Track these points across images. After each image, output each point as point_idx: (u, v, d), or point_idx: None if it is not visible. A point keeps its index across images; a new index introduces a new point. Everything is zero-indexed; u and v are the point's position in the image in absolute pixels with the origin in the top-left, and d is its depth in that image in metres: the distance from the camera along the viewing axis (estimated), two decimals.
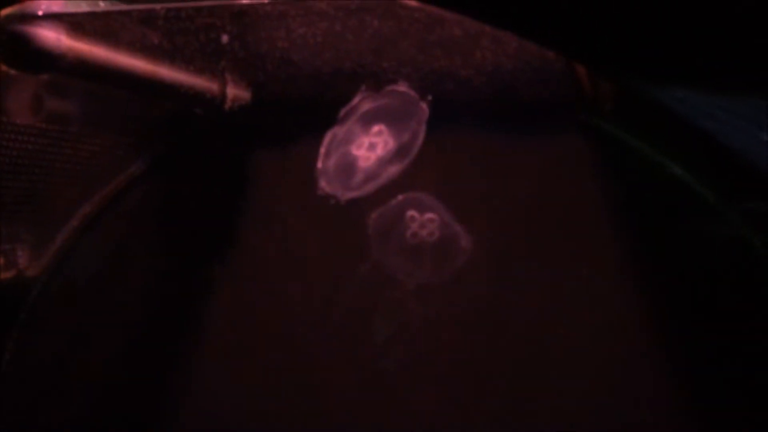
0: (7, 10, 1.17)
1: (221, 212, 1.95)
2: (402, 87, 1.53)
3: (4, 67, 1.23)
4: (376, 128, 1.58)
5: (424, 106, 1.55)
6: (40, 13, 1.17)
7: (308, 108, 1.75)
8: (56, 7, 1.18)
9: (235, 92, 1.62)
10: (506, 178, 1.76)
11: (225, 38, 1.23)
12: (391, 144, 1.60)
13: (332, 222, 1.83)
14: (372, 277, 1.74)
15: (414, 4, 1.22)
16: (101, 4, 1.22)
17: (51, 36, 1.16)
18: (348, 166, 1.63)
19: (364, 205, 1.67)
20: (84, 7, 1.17)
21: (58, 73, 1.25)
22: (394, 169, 1.62)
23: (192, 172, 1.88)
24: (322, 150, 1.58)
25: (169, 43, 1.27)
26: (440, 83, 1.53)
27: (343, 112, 1.54)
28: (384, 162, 1.61)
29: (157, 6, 1.13)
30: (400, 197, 1.68)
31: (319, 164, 1.59)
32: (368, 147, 1.61)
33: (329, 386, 1.86)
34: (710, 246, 1.60)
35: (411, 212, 1.69)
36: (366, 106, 1.55)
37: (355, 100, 1.52)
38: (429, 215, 1.68)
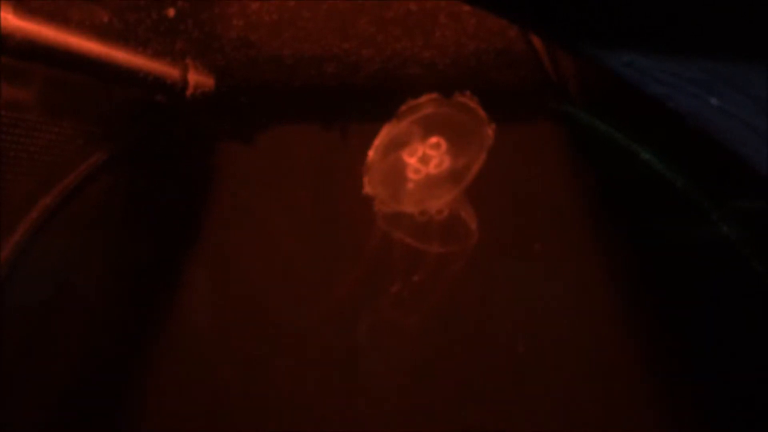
0: None
1: (191, 203, 1.91)
2: (472, 102, 1.42)
3: None
4: (434, 140, 1.48)
5: (490, 132, 1.44)
6: None
7: (275, 94, 1.73)
8: None
9: (198, 78, 1.59)
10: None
11: (172, 12, 1.20)
12: (446, 164, 1.49)
13: (312, 214, 1.80)
14: (362, 270, 1.70)
15: None
16: None
17: None
18: (397, 173, 1.51)
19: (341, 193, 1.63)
20: None
21: (5, 55, 1.21)
22: (441, 193, 1.50)
23: (158, 162, 1.84)
24: (377, 143, 1.45)
25: (120, 21, 1.24)
26: (405, 67, 1.50)
27: (403, 108, 1.43)
28: (433, 182, 1.49)
29: None
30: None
31: (369, 170, 1.46)
32: (421, 158, 1.50)
33: (305, 380, 1.84)
34: (680, 234, 1.60)
35: None
36: (429, 109, 1.43)
37: (422, 98, 1.42)
38: None
